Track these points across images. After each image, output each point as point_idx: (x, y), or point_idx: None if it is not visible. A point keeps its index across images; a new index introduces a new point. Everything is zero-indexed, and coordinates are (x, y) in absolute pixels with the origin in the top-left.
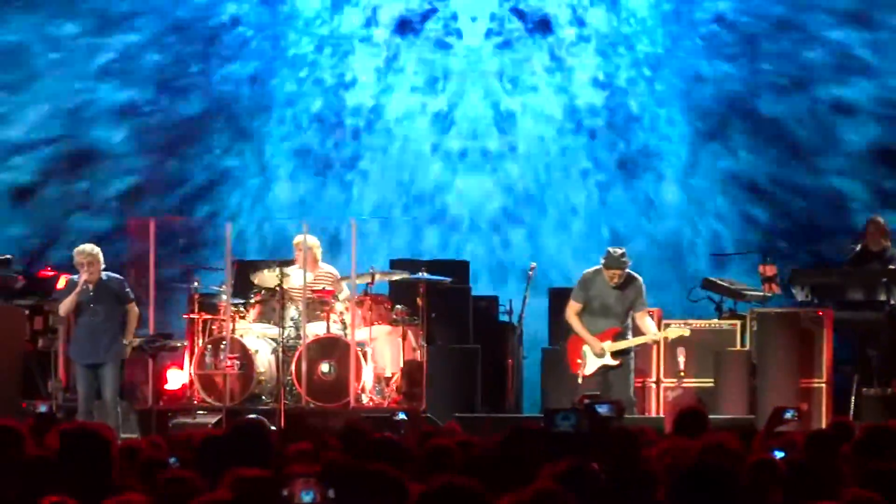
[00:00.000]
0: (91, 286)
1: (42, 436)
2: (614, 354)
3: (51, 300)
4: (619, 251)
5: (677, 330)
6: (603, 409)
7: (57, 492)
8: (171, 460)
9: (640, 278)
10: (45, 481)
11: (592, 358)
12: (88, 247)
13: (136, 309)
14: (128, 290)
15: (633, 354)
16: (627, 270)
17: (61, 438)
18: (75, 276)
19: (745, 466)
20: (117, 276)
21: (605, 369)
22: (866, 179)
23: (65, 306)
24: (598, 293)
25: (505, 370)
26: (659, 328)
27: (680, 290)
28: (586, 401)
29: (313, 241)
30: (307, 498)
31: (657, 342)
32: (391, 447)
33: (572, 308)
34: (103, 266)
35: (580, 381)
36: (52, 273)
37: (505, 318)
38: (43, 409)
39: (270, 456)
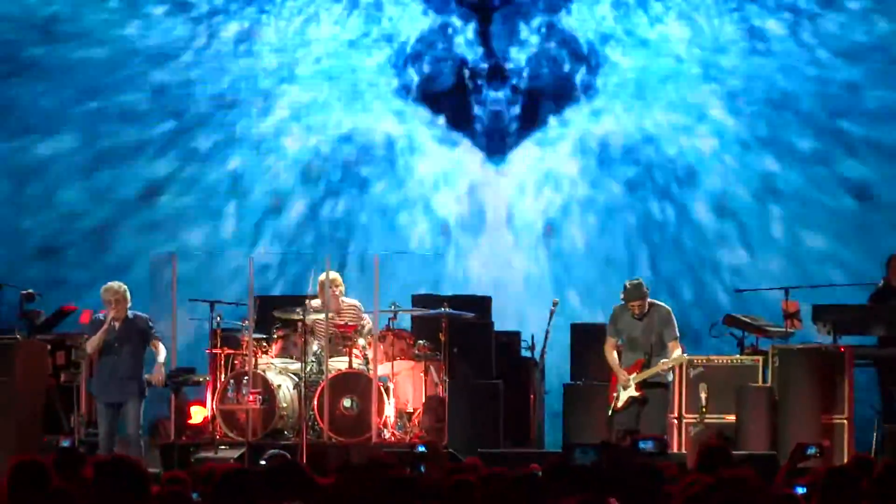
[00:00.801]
0: (117, 324)
1: (65, 470)
2: (637, 386)
3: (74, 334)
4: (636, 281)
5: (681, 357)
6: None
7: None
8: (194, 495)
9: (667, 307)
10: None
11: (622, 391)
12: (116, 284)
13: (161, 346)
14: (153, 327)
15: (669, 388)
16: (650, 300)
17: (96, 471)
18: (100, 314)
19: (766, 502)
20: (143, 314)
21: (633, 402)
22: None
23: (91, 345)
24: (624, 327)
25: (527, 405)
26: None
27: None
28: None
29: (335, 275)
30: None
31: (666, 370)
32: (408, 483)
33: (608, 345)
34: (130, 304)
35: (610, 413)
36: (74, 307)
37: (527, 353)
38: (66, 443)
39: (301, 490)
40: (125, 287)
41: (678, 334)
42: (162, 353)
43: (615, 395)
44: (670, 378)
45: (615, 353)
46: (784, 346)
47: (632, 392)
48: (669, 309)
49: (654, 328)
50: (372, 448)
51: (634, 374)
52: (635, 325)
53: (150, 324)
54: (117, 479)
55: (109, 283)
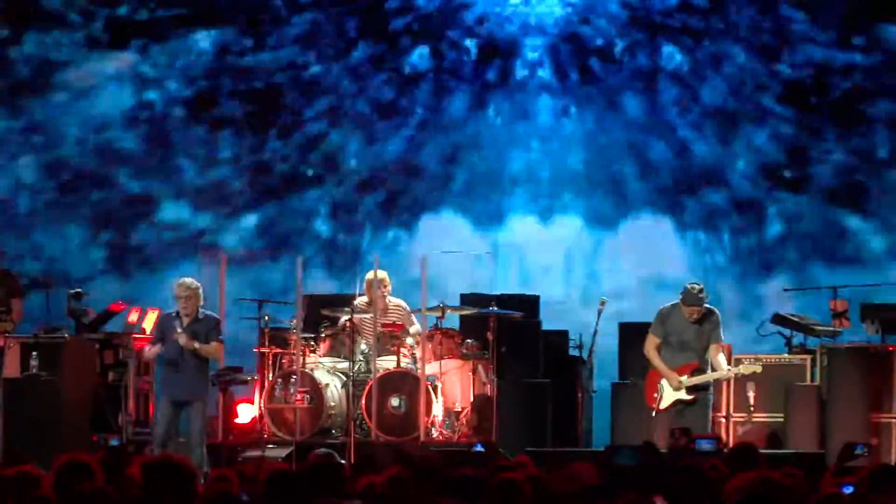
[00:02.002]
0: (187, 320)
1: (112, 469)
2: (689, 389)
3: (122, 333)
4: (698, 287)
5: (749, 367)
6: (706, 445)
7: None
8: (243, 497)
9: (718, 312)
10: None
11: (668, 392)
12: (188, 280)
13: (218, 350)
14: (218, 329)
15: (711, 391)
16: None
17: (144, 471)
18: (171, 311)
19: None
20: (213, 314)
21: (679, 404)
22: None
23: (148, 354)
24: (674, 328)
25: (575, 404)
26: (729, 363)
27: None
28: (680, 434)
29: (383, 274)
30: None
31: (728, 379)
32: (468, 483)
33: (651, 342)
34: (202, 302)
35: (654, 414)
36: (123, 306)
37: (575, 352)
38: (115, 442)
39: (343, 490)
40: (198, 284)
41: (723, 338)
42: (211, 350)
43: (656, 395)
44: (712, 380)
45: (657, 353)
46: (832, 344)
47: (682, 395)
48: (719, 314)
49: (705, 332)
50: (421, 448)
51: (686, 377)
52: (688, 327)
53: (217, 325)
54: (165, 478)
55: (182, 279)
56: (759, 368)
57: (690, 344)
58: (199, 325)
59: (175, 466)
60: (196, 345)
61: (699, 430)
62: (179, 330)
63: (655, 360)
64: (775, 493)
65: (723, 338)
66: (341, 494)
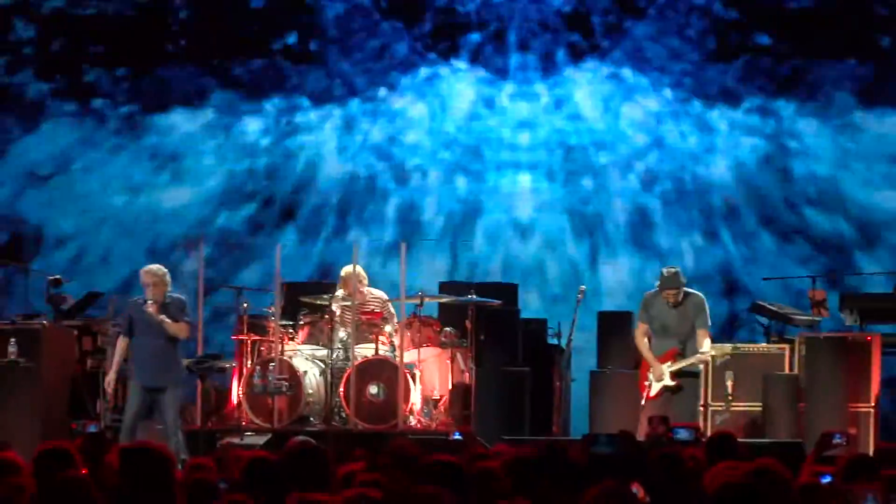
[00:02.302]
0: (155, 307)
1: (91, 455)
2: (673, 375)
3: (100, 319)
4: (673, 270)
5: (720, 348)
6: (682, 434)
7: None
8: (221, 484)
9: (701, 295)
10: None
11: (654, 380)
12: (154, 267)
13: (184, 329)
14: (185, 310)
15: (699, 376)
16: (686, 289)
17: (121, 458)
18: (138, 297)
19: (793, 491)
20: (179, 296)
21: (667, 391)
22: None
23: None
24: (657, 314)
25: (553, 393)
26: None
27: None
28: (658, 423)
29: (359, 268)
30: None
31: (704, 362)
32: (448, 469)
33: (639, 331)
34: (169, 288)
35: (643, 402)
36: (102, 293)
37: (554, 340)
38: (93, 429)
39: (325, 479)
40: (164, 269)
41: (710, 323)
42: (177, 327)
43: (647, 383)
44: (700, 367)
45: (646, 341)
46: (811, 334)
47: (667, 381)
48: (703, 297)
49: (688, 316)
50: (399, 435)
51: (669, 363)
52: (669, 312)
53: (185, 306)
54: (142, 465)
55: (149, 266)
56: (728, 349)
57: (672, 329)
58: (165, 309)
59: (152, 453)
60: (162, 317)
61: (686, 417)
62: (150, 301)
63: (642, 348)
64: (762, 485)
65: (709, 322)
66: (323, 483)
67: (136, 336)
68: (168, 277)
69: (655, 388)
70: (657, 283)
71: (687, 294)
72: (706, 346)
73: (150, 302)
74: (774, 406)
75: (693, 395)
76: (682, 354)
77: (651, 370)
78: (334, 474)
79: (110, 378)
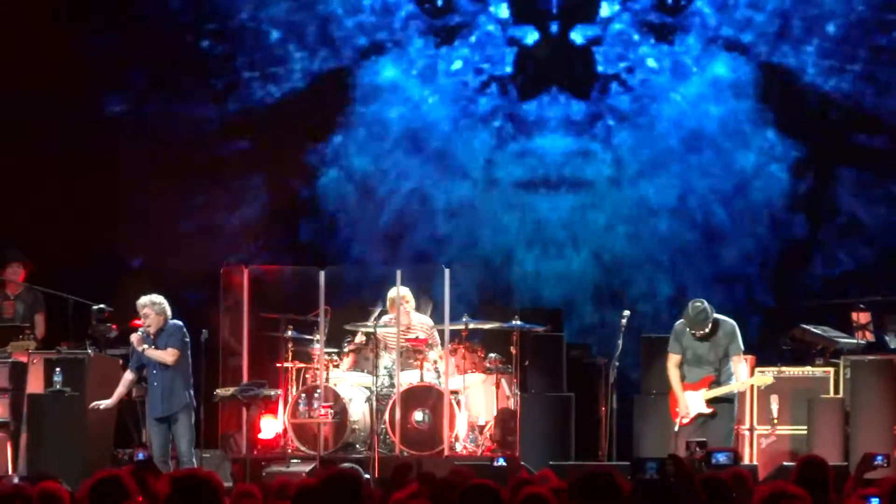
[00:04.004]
0: (153, 337)
1: (142, 483)
2: (709, 402)
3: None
4: (699, 306)
5: (762, 378)
6: (721, 458)
7: None
8: None
9: (732, 322)
10: None
11: (688, 408)
12: (143, 299)
13: (169, 355)
14: (178, 336)
15: (735, 403)
16: (715, 316)
17: (172, 486)
18: (139, 331)
19: None
20: (176, 323)
21: (701, 417)
22: None
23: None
24: (689, 344)
25: (598, 418)
26: (752, 375)
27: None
28: (697, 448)
29: (405, 291)
30: None
31: (742, 391)
32: (491, 496)
33: (671, 360)
34: (169, 315)
35: (676, 428)
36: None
37: (598, 365)
38: (141, 456)
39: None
40: (159, 299)
41: (743, 348)
42: (160, 354)
43: (678, 409)
44: (736, 392)
45: (677, 371)
46: (856, 357)
47: (702, 409)
48: (734, 323)
49: (720, 343)
50: (445, 462)
51: (704, 390)
52: (700, 343)
53: (176, 333)
54: (192, 493)
55: (143, 297)
56: (770, 379)
57: (705, 358)
58: (161, 337)
59: (202, 481)
60: (145, 346)
61: (721, 442)
62: (139, 334)
63: (672, 380)
64: None
65: (742, 347)
66: None
67: (146, 371)
68: (164, 307)
69: (688, 416)
70: (683, 319)
71: (717, 321)
72: (742, 372)
73: (134, 335)
74: (819, 429)
75: (727, 419)
76: (717, 382)
77: (679, 402)
78: (377, 501)
79: (105, 404)
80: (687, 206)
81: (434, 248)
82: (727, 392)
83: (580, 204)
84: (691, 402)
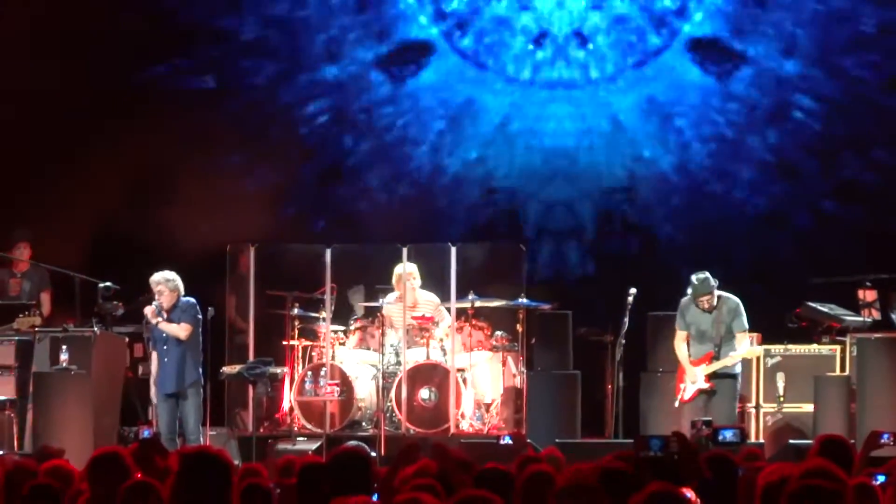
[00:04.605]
0: (166, 314)
1: (144, 460)
2: (707, 377)
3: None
4: (702, 276)
5: (752, 350)
6: (728, 435)
7: None
8: (278, 491)
9: (735, 298)
10: None
11: (689, 384)
12: (159, 275)
13: (184, 330)
14: (191, 313)
15: (737, 381)
16: (719, 293)
17: (182, 462)
18: (153, 304)
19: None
20: (189, 300)
21: (702, 393)
22: None
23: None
24: (693, 319)
25: (605, 395)
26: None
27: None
28: (703, 426)
29: (412, 267)
30: None
31: (737, 361)
32: (497, 476)
33: (678, 337)
34: (182, 292)
35: (676, 405)
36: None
37: (605, 343)
38: (147, 433)
39: (372, 484)
40: (168, 277)
41: (747, 326)
42: (175, 328)
43: (682, 385)
44: (738, 369)
45: (685, 346)
46: (862, 335)
47: (701, 384)
48: (738, 301)
49: (722, 320)
50: (451, 440)
51: (703, 366)
52: (704, 317)
53: (190, 309)
54: (203, 469)
55: (157, 273)
56: (759, 351)
57: (708, 333)
58: (174, 313)
59: (212, 458)
60: (159, 319)
61: (723, 419)
62: (153, 307)
63: (679, 353)
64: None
65: (745, 325)
66: (370, 488)
67: (155, 347)
68: (178, 283)
69: (690, 390)
70: (689, 290)
71: (721, 298)
72: (742, 346)
73: (148, 308)
74: (825, 407)
75: (730, 397)
76: (717, 358)
77: (686, 374)
78: (383, 479)
79: (153, 392)
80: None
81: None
82: (723, 366)
83: None
84: (696, 377)
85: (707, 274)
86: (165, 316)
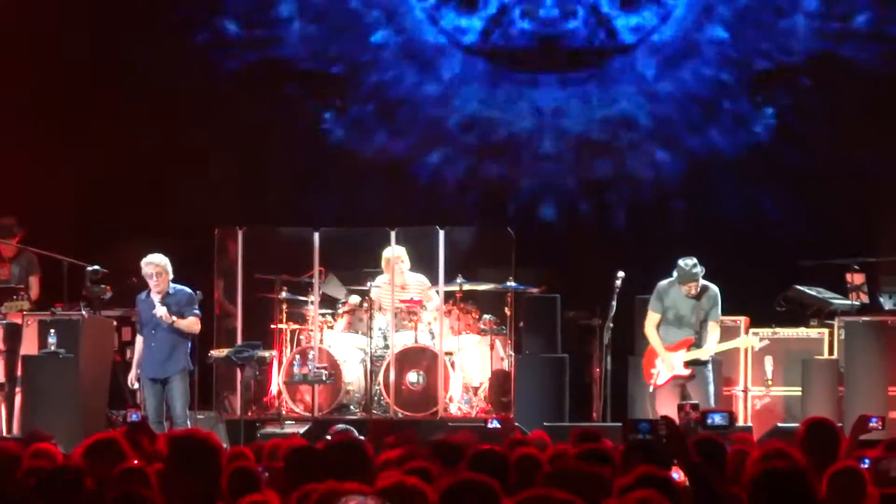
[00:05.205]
0: (158, 298)
1: (135, 444)
2: (686, 364)
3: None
4: (691, 262)
5: (748, 339)
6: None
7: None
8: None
9: (716, 288)
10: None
11: (664, 369)
12: (155, 257)
13: (196, 324)
14: (194, 304)
15: (709, 366)
16: (702, 282)
17: (171, 445)
18: (141, 294)
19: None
20: (186, 288)
21: (678, 380)
22: None
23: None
24: (672, 304)
25: (592, 379)
26: (746, 334)
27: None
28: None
29: (400, 250)
30: None
31: (712, 354)
32: (489, 458)
33: (650, 319)
34: (171, 277)
35: (651, 390)
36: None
37: (594, 327)
38: (135, 417)
39: (365, 468)
40: (165, 259)
41: (721, 317)
42: (188, 323)
43: (654, 371)
44: (710, 357)
45: (656, 331)
46: (850, 318)
47: (679, 371)
48: (717, 290)
49: (703, 307)
50: (439, 423)
51: (683, 352)
52: (685, 302)
53: (190, 300)
54: (191, 452)
55: (151, 256)
56: (755, 341)
57: (686, 319)
58: (171, 299)
59: (201, 441)
60: (174, 318)
61: (702, 405)
62: (158, 304)
63: (653, 338)
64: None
65: (720, 316)
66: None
67: (143, 331)
68: (169, 267)
69: (665, 376)
70: (675, 273)
71: (703, 286)
72: (715, 338)
73: (158, 307)
74: (813, 390)
75: (704, 383)
76: (696, 345)
77: (660, 359)
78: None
79: (131, 376)
80: None
81: None
82: (708, 354)
83: None
84: (671, 363)
85: (695, 260)
86: (162, 302)
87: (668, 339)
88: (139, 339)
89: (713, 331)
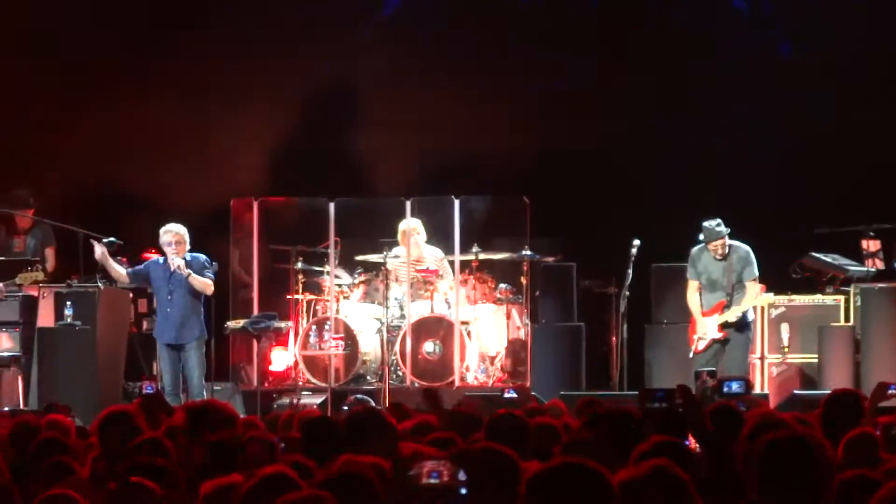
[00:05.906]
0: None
1: (151, 415)
2: (720, 327)
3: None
4: (714, 221)
5: (764, 297)
6: (734, 387)
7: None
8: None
9: (746, 247)
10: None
11: (703, 334)
12: (175, 226)
13: (210, 286)
14: (207, 269)
15: (750, 328)
16: (730, 242)
17: (188, 416)
18: (159, 258)
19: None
20: (200, 256)
21: (715, 343)
22: None
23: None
24: (704, 269)
25: (609, 347)
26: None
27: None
28: (708, 377)
29: (416, 222)
30: (433, 479)
31: (746, 309)
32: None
33: (689, 287)
34: (188, 247)
35: (691, 355)
36: (155, 254)
37: (610, 295)
38: (150, 389)
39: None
40: (185, 229)
41: (757, 273)
42: (203, 282)
43: (695, 337)
44: (751, 317)
45: (697, 296)
46: (866, 285)
47: (714, 334)
48: (749, 248)
49: (733, 268)
50: (455, 393)
51: (716, 315)
52: (715, 265)
53: (205, 265)
54: (209, 422)
55: (169, 225)
56: (770, 297)
57: (719, 282)
58: (189, 267)
59: (218, 411)
60: (189, 272)
61: (735, 369)
62: (173, 258)
63: (692, 304)
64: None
65: (756, 273)
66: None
67: (156, 295)
68: (188, 236)
69: (703, 341)
70: (701, 237)
71: (732, 246)
72: (750, 295)
73: (173, 258)
74: (830, 357)
75: (743, 347)
76: (729, 307)
77: (697, 325)
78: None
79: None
80: None
81: None
82: (735, 315)
83: None
84: (708, 327)
85: (719, 220)
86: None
87: (705, 305)
88: (125, 274)
89: (750, 290)
